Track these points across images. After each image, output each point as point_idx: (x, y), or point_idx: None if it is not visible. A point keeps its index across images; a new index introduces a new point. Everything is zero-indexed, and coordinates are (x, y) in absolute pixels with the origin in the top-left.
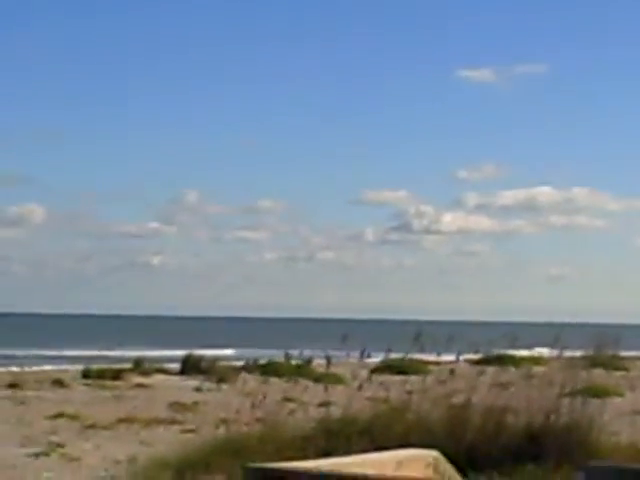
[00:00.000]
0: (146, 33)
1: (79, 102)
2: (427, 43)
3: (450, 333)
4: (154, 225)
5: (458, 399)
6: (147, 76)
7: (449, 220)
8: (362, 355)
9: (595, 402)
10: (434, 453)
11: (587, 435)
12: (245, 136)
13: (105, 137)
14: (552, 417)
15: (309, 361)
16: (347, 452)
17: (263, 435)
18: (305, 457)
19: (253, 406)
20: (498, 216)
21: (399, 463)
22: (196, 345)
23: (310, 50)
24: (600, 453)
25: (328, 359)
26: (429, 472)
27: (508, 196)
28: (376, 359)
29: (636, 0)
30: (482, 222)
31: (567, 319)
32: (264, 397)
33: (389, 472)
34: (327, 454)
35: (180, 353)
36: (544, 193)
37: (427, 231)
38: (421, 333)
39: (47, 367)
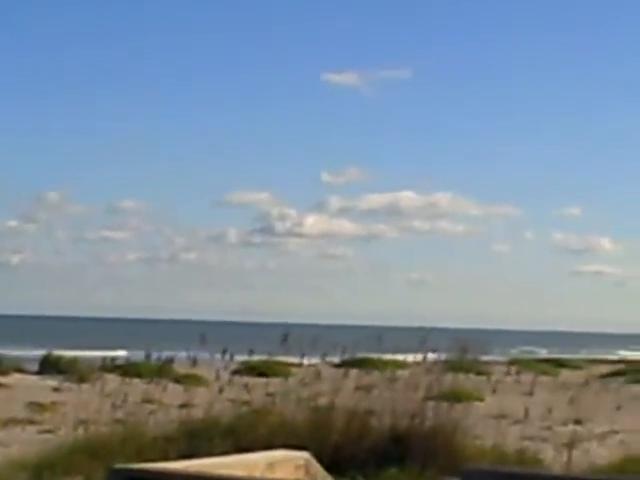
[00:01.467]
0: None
1: None
2: (293, 45)
3: (313, 336)
4: (13, 223)
5: (322, 401)
6: (8, 75)
7: (312, 223)
8: (223, 356)
9: (458, 406)
10: (305, 455)
11: (451, 438)
12: (107, 135)
13: None
14: (417, 420)
15: (170, 361)
16: (210, 454)
17: (124, 436)
18: (167, 458)
19: (113, 406)
20: (361, 220)
21: (270, 465)
22: (57, 345)
23: (180, 46)
24: (465, 457)
25: (194, 360)
26: (300, 474)
27: (371, 200)
28: (239, 361)
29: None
30: (345, 226)
31: (428, 323)
32: (125, 397)
33: (259, 473)
34: (189, 456)
35: (39, 353)
36: (407, 198)
37: (290, 234)
38: (288, 335)
39: None
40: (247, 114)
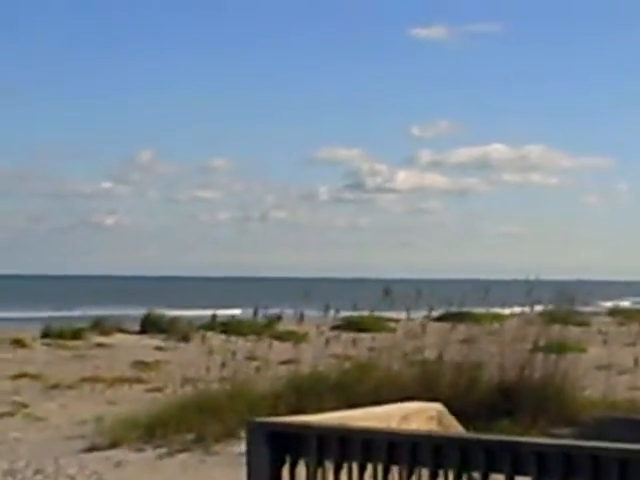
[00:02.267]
0: None
1: (31, 59)
2: (380, 1)
3: (411, 291)
4: (107, 185)
5: (425, 355)
6: (99, 35)
7: (403, 178)
8: (327, 312)
9: (562, 358)
10: (437, 406)
11: (561, 390)
12: (199, 94)
13: (58, 94)
14: (525, 372)
15: (279, 318)
16: (319, 409)
17: (233, 393)
18: (277, 414)
19: (222, 365)
20: (452, 174)
21: (404, 417)
22: (154, 304)
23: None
24: (575, 408)
25: (301, 315)
26: (433, 425)
27: (462, 153)
28: (338, 317)
29: None
30: (436, 180)
31: (521, 276)
32: (234, 354)
33: (395, 425)
34: (298, 411)
35: (139, 312)
36: (498, 150)
37: (381, 189)
38: (389, 290)
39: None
40: (336, 70)
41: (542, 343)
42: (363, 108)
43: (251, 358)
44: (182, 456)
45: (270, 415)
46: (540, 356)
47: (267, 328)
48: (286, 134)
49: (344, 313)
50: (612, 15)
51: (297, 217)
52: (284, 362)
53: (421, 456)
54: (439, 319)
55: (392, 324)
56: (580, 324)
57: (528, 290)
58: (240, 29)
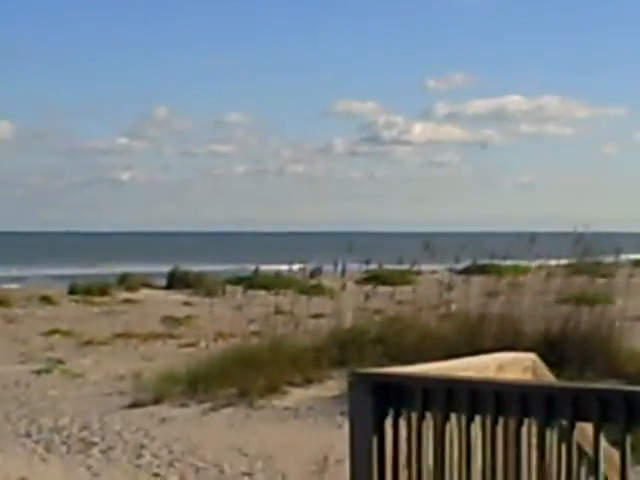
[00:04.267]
0: None
1: (45, 18)
2: None
3: (432, 244)
4: (123, 141)
5: (454, 308)
6: None
7: (419, 130)
8: (367, 264)
9: (592, 310)
10: (532, 356)
11: (607, 342)
12: (213, 50)
13: (73, 52)
14: (570, 325)
15: (317, 272)
16: (360, 362)
17: (273, 346)
18: (319, 367)
19: (268, 317)
20: (468, 126)
21: (500, 367)
22: (177, 260)
23: None
24: (620, 360)
25: (343, 269)
26: (528, 375)
27: (478, 105)
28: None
29: None
30: (452, 132)
31: (537, 228)
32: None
33: (491, 375)
34: (341, 364)
35: (162, 268)
36: (514, 102)
37: (397, 142)
38: (429, 243)
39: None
40: (350, 23)
41: (568, 295)
42: (378, 60)
43: (278, 312)
44: (227, 411)
45: (313, 368)
46: (584, 309)
47: (291, 282)
48: (302, 88)
49: (387, 266)
50: None
51: (313, 170)
52: (314, 316)
53: (531, 407)
54: (462, 272)
55: (415, 277)
56: (604, 275)
57: (553, 242)
58: None
